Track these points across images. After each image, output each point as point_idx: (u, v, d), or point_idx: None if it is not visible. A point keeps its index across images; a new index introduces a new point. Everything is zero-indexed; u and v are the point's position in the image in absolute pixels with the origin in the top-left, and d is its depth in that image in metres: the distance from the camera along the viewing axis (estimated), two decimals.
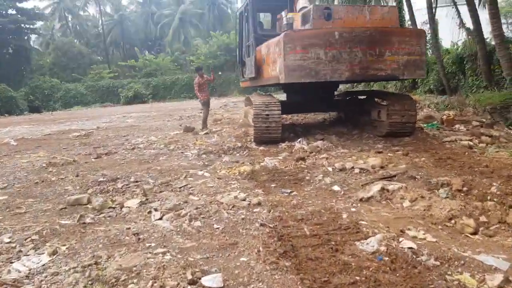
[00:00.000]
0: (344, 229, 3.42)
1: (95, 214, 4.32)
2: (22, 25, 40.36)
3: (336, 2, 24.66)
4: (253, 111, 8.01)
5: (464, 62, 14.94)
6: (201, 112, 18.76)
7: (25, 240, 3.60)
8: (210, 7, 55.13)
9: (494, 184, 4.41)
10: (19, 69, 41.45)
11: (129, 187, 5.48)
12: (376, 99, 8.98)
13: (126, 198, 4.86)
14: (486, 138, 7.44)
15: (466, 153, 6.17)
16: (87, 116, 22.56)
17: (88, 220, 4.09)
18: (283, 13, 8.72)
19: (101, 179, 5.99)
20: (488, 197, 4.11)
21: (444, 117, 9.86)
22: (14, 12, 39.77)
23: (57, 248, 3.35)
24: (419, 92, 18.12)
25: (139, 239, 3.49)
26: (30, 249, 3.42)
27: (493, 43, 14.68)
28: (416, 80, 18.22)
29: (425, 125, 9.35)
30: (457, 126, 9.29)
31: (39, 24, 45.93)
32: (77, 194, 5.14)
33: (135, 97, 38.25)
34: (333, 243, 3.14)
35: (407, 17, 17.72)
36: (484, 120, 9.65)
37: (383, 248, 2.97)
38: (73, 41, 49.55)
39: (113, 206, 4.59)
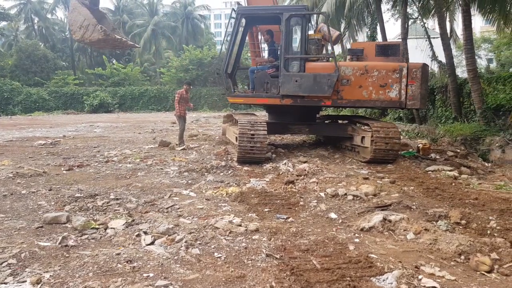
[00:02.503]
0: (355, 263, 3.26)
1: (77, 236, 3.91)
2: None
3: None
4: (238, 130, 7.80)
5: (434, 93, 15.58)
6: (173, 126, 18.41)
7: (1, 264, 3.16)
8: (184, 21, 54.93)
9: (491, 218, 4.44)
10: None
11: (110, 205, 5.08)
12: (358, 125, 9.06)
13: (109, 218, 4.46)
14: (465, 169, 7.66)
15: (453, 184, 6.27)
16: (50, 123, 21.37)
17: (71, 242, 3.68)
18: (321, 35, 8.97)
19: (78, 194, 5.54)
20: (489, 232, 4.12)
21: (420, 145, 10.09)
22: None
23: (40, 276, 2.95)
24: (388, 119, 18.68)
25: (133, 267, 3.15)
26: (8, 275, 2.99)
27: (461, 76, 15.49)
28: None
29: (403, 152, 9.51)
30: (432, 155, 9.54)
31: (2, 24, 43.59)
32: (54, 211, 4.68)
33: (101, 105, 36.95)
34: (348, 278, 2.96)
35: None
36: (458, 150, 9.97)
37: (403, 286, 2.83)
38: (38, 44, 47.16)
39: (96, 226, 4.19)
